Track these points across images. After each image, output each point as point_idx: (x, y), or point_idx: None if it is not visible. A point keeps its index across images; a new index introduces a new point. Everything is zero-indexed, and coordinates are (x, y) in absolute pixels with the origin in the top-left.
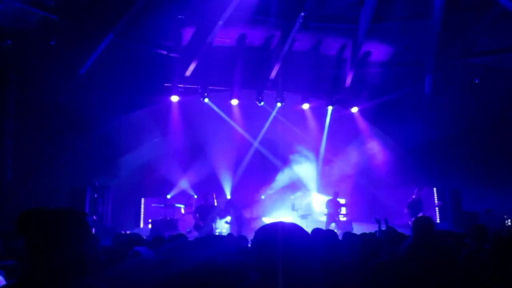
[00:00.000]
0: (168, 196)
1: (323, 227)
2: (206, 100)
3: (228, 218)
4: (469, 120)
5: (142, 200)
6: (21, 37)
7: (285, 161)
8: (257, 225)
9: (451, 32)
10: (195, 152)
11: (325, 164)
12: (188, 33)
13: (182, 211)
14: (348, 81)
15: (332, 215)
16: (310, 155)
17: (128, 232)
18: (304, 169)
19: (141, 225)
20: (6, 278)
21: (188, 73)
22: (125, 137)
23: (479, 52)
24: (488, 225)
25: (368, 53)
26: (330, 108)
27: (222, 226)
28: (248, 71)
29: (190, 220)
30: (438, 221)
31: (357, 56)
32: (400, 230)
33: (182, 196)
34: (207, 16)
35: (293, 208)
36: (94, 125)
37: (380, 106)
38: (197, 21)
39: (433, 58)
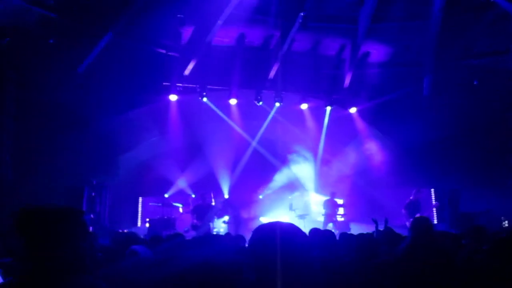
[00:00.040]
0: (166, 195)
1: (321, 227)
2: (205, 99)
3: (226, 218)
4: (468, 121)
5: (140, 199)
6: (20, 36)
7: (283, 161)
8: (254, 225)
9: (451, 33)
10: (193, 152)
11: (323, 164)
12: (187, 32)
13: (180, 210)
14: (347, 81)
15: (330, 216)
16: (308, 155)
17: (125, 231)
18: (302, 169)
19: (139, 224)
20: (3, 276)
21: (187, 72)
22: (123, 136)
23: (479, 53)
24: (485, 226)
25: (367, 54)
26: (328, 108)
27: (220, 226)
28: (247, 70)
29: (188, 220)
30: (435, 222)
31: (356, 57)
32: (398, 231)
33: (180, 195)
34: (206, 16)
35: (291, 208)
36: (92, 124)
37: (379, 107)
38: (197, 20)
39: (433, 59)
